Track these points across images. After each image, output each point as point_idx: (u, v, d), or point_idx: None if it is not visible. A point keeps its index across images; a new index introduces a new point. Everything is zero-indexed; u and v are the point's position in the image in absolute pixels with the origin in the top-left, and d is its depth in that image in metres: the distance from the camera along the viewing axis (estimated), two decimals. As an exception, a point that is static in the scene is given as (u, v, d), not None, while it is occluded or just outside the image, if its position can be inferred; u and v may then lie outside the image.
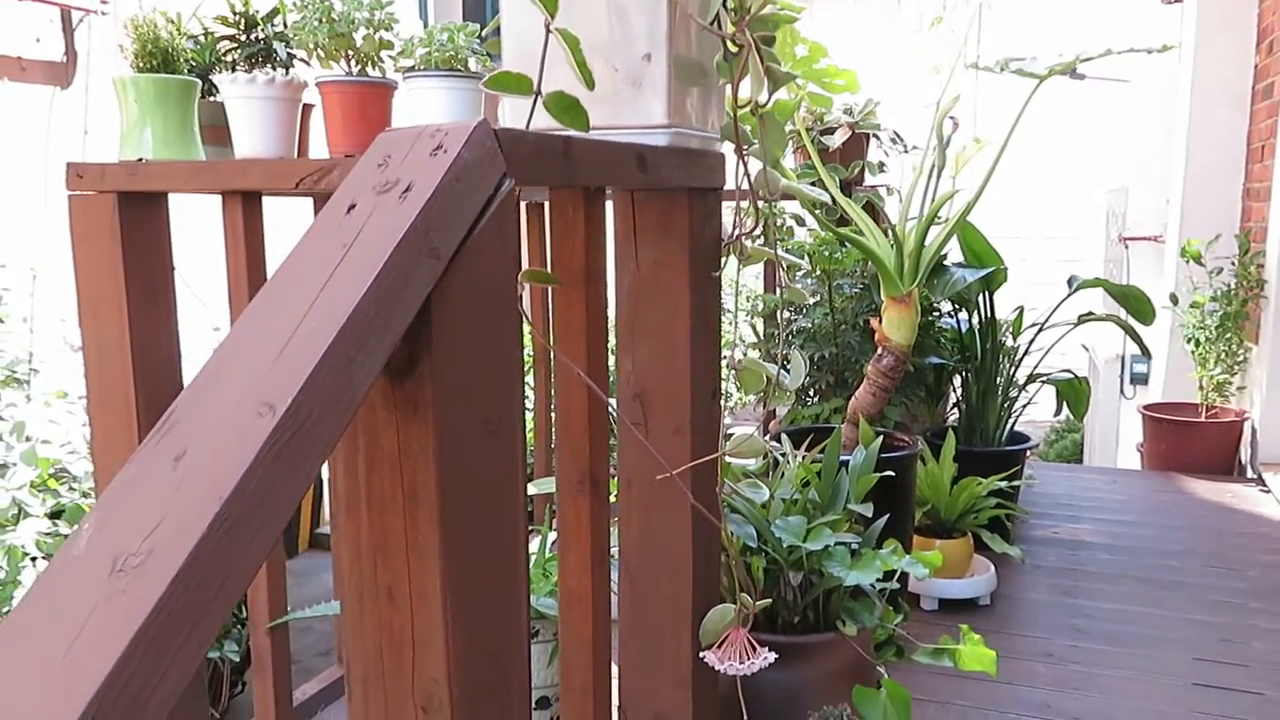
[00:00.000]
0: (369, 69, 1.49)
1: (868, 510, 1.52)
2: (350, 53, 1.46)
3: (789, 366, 1.25)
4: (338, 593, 2.02)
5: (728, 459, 1.35)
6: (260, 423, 0.59)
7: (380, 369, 0.69)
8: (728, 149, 1.32)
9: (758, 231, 1.21)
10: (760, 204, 1.25)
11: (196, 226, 1.91)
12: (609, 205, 1.27)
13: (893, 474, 1.69)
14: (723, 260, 1.32)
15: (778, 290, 3.47)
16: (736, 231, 1.24)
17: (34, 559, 2.64)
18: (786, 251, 3.08)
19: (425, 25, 5.64)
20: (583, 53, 1.10)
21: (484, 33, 1.39)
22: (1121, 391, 6.29)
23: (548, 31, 1.08)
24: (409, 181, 0.75)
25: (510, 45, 1.20)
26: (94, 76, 3.76)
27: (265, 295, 0.70)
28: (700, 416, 1.31)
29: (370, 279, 0.67)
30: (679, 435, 1.30)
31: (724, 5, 1.14)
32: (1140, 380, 6.08)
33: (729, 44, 1.11)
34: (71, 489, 2.93)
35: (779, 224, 3.23)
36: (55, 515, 2.82)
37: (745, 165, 1.17)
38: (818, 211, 2.57)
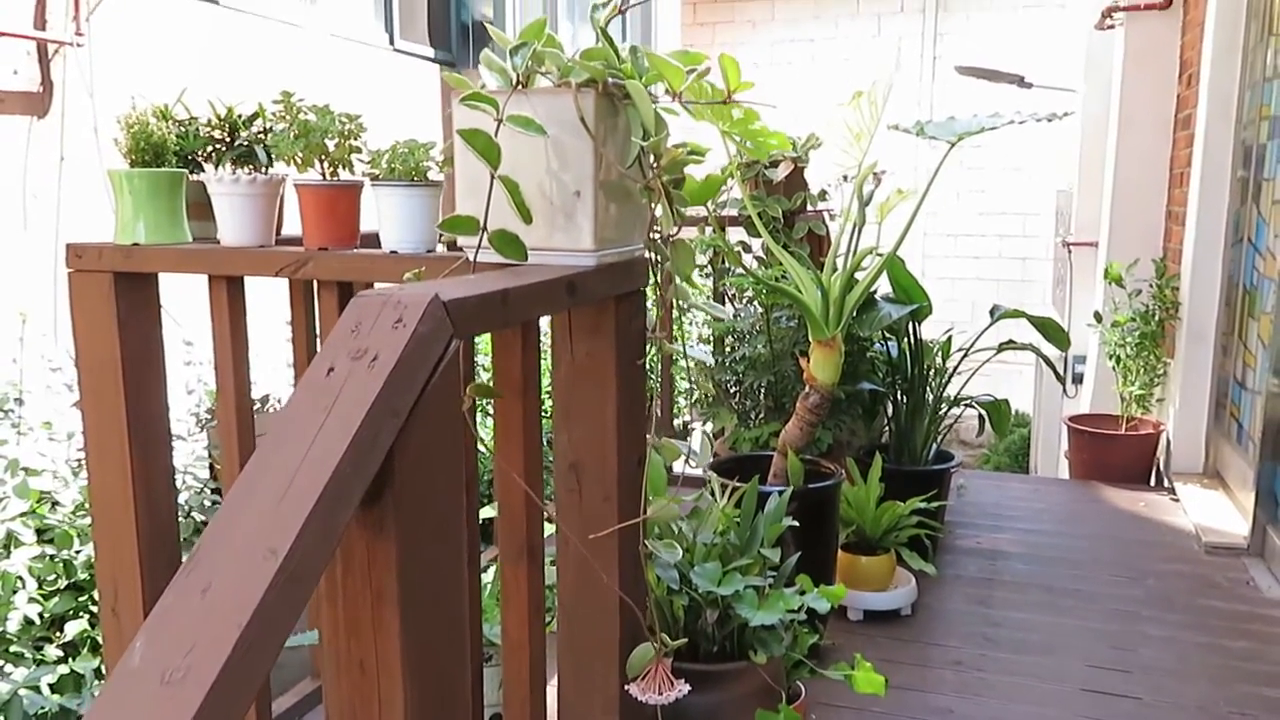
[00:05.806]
0: (340, 171, 1.69)
1: (775, 556, 1.76)
2: (323, 157, 1.67)
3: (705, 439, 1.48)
4: (311, 621, 2.23)
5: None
6: (266, 564, 0.81)
7: (356, 506, 0.91)
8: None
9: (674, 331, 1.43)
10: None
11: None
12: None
13: (797, 523, 1.93)
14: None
15: (728, 315, 3.71)
16: (655, 328, 1.47)
17: (23, 581, 2.83)
18: (731, 285, 3.32)
19: (388, 26, 5.79)
20: (521, 194, 1.32)
21: (440, 149, 1.60)
22: (1065, 392, 6.59)
23: (492, 179, 1.30)
24: (376, 351, 0.96)
25: (462, 177, 1.41)
26: (69, 105, 3.90)
27: (266, 449, 0.91)
28: (626, 484, 1.54)
29: (347, 442, 0.89)
30: (608, 501, 1.52)
31: (642, 150, 1.36)
32: (1080, 380, 6.39)
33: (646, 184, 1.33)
34: (55, 509, 3.11)
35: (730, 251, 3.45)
36: (41, 532, 3.00)
37: (659, 278, 1.39)
38: (751, 263, 2.79)
